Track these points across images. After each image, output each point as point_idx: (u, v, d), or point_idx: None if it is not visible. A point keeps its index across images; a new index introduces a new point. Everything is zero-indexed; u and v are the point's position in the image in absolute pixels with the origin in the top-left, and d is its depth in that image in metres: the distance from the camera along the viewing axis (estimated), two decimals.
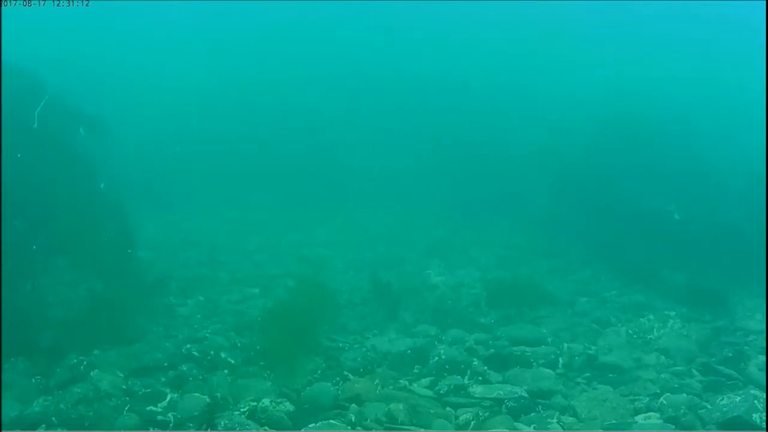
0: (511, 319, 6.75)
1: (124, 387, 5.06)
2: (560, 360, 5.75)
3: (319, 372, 5.42)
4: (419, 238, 10.21)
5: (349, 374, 5.41)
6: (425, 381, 5.37)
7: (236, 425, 4.53)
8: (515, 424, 4.72)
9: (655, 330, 6.43)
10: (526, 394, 5.09)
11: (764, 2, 17.30)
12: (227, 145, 13.71)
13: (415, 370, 5.57)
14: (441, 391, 5.19)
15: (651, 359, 5.73)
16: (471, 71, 17.09)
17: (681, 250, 8.20)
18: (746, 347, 5.86)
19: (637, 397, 5.09)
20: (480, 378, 5.41)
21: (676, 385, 5.26)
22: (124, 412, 4.72)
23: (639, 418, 4.81)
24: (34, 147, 6.17)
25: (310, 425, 4.59)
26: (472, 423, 4.74)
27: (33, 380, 5.16)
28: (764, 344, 5.89)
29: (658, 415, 4.83)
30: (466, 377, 5.43)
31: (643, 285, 7.72)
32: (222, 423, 4.55)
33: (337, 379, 5.33)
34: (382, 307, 6.96)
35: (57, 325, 5.81)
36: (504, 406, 4.95)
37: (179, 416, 4.71)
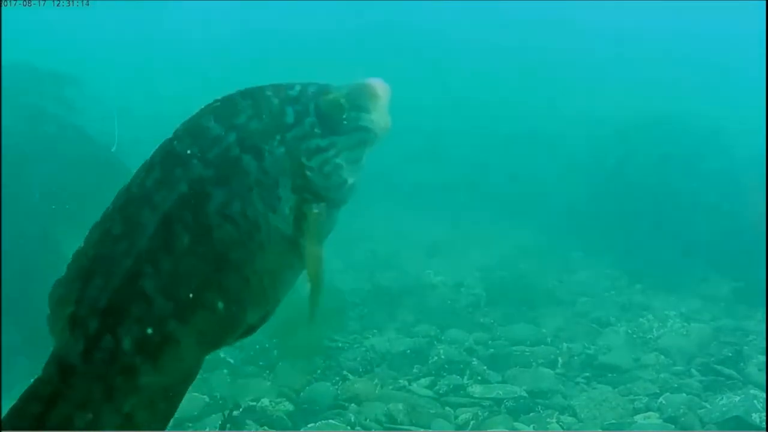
0: (511, 319, 6.75)
1: None
2: (559, 360, 5.75)
3: (318, 372, 5.42)
4: (419, 238, 10.20)
5: (349, 374, 5.41)
6: (424, 381, 5.37)
7: (236, 425, 4.53)
8: (515, 423, 4.73)
9: (654, 330, 6.43)
10: (525, 394, 5.10)
11: (764, 2, 17.31)
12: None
13: (415, 370, 5.57)
14: (440, 391, 5.19)
15: (650, 359, 5.73)
16: (479, 72, 17.12)
17: (681, 251, 8.20)
18: (746, 347, 5.86)
19: (636, 397, 5.10)
20: (479, 378, 5.41)
21: (676, 385, 5.27)
22: None
23: (638, 417, 4.82)
24: (38, 147, 6.19)
25: (310, 425, 4.60)
26: (472, 423, 4.75)
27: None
28: (764, 344, 5.89)
29: (657, 414, 4.83)
30: (466, 377, 5.43)
31: (642, 285, 7.73)
32: (221, 422, 4.55)
33: (337, 378, 5.33)
34: (381, 307, 6.96)
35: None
36: (503, 405, 4.96)
37: (178, 416, 4.71)
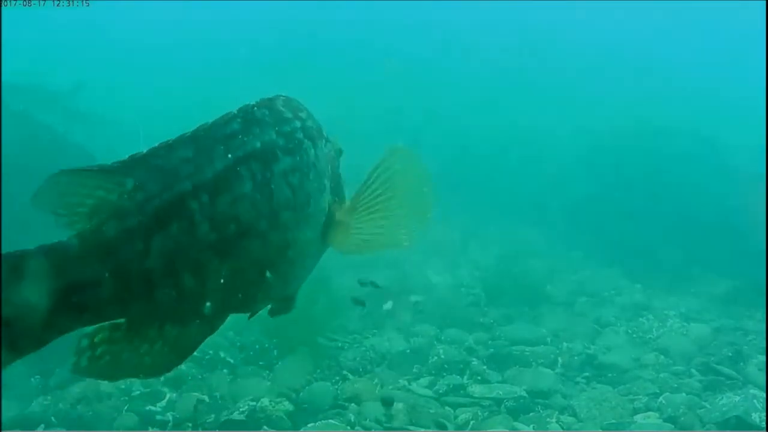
0: (511, 319, 6.75)
1: (122, 386, 5.05)
2: (559, 360, 5.75)
3: (318, 372, 5.41)
4: (419, 238, 10.18)
5: (348, 374, 5.41)
6: (424, 381, 5.37)
7: (235, 425, 4.53)
8: (514, 423, 4.72)
9: (654, 330, 6.43)
10: (525, 394, 5.09)
11: (764, 2, 17.31)
12: None
13: (414, 370, 5.57)
14: (440, 391, 5.19)
15: (650, 359, 5.73)
16: (477, 76, 17.11)
17: (681, 251, 8.20)
18: (746, 347, 5.86)
19: (636, 397, 5.10)
20: (479, 378, 5.41)
21: (675, 385, 5.26)
22: (123, 412, 4.72)
23: (638, 417, 4.81)
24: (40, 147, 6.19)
25: (309, 425, 4.59)
26: (472, 423, 4.74)
27: (32, 380, 5.15)
28: (764, 344, 5.89)
29: (657, 414, 4.83)
30: (465, 377, 5.43)
31: (642, 285, 7.72)
32: (220, 423, 4.55)
33: (336, 378, 5.33)
34: (381, 307, 6.95)
35: None
36: (503, 405, 4.95)
37: (178, 416, 4.72)
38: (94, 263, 1.49)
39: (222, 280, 1.58)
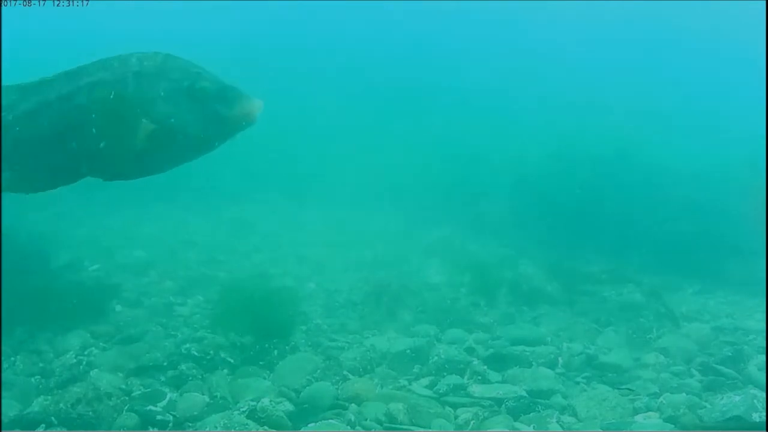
0: (511, 319, 6.75)
1: (123, 386, 5.06)
2: (560, 359, 5.74)
3: (318, 372, 5.40)
4: (419, 238, 10.21)
5: (349, 374, 5.40)
6: (425, 381, 5.35)
7: (235, 425, 4.52)
8: (515, 423, 4.71)
9: (654, 329, 6.43)
10: (525, 394, 5.08)
11: (764, 2, 17.34)
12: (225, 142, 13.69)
13: (415, 370, 5.56)
14: (440, 391, 5.17)
15: (650, 359, 5.73)
16: (481, 81, 17.18)
17: (680, 251, 8.22)
18: (746, 347, 5.86)
19: (636, 397, 5.09)
20: (479, 378, 5.40)
21: (676, 385, 5.26)
22: (124, 412, 4.71)
23: (638, 417, 4.80)
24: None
25: (310, 425, 4.58)
26: (472, 423, 4.73)
27: (32, 380, 5.15)
28: (764, 344, 5.89)
29: (657, 414, 4.82)
30: (466, 377, 5.42)
31: (642, 285, 7.72)
32: (221, 423, 4.54)
33: (337, 378, 5.31)
34: (381, 307, 6.95)
35: (55, 323, 5.80)
36: (503, 405, 4.94)
37: (178, 416, 4.71)
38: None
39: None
